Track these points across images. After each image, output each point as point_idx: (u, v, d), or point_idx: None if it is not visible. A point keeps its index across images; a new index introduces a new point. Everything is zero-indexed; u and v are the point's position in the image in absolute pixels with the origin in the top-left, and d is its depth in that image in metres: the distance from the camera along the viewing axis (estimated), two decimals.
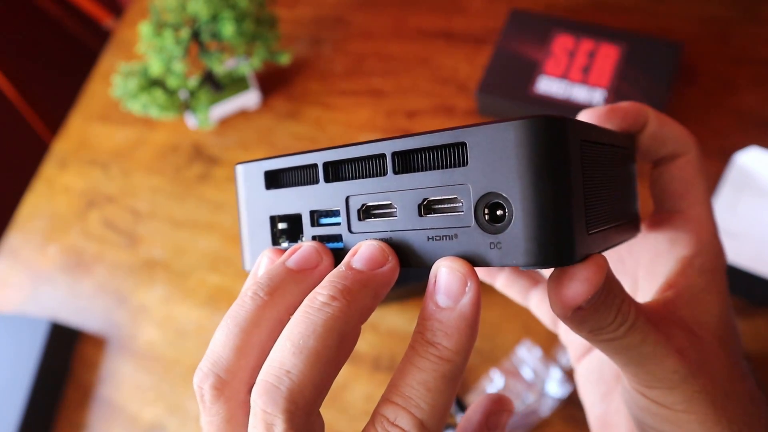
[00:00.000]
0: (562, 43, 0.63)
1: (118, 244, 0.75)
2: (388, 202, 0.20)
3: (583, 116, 0.25)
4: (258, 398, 0.17)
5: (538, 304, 0.32)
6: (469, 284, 0.18)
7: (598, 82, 0.60)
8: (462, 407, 0.53)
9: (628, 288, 0.27)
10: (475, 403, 0.23)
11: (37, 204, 0.82)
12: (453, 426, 0.53)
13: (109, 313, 0.70)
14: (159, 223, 0.74)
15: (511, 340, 0.55)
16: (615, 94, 0.59)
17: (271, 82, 0.79)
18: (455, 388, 0.18)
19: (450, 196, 0.19)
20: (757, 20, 0.64)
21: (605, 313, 0.18)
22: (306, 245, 0.21)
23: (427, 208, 0.19)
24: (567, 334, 0.32)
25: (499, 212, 0.18)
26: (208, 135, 0.78)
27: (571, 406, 0.51)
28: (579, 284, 0.18)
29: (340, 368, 0.18)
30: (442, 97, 0.71)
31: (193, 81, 0.71)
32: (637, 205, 0.26)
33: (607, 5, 0.70)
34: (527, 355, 0.53)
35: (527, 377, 0.52)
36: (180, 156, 0.78)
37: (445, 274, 0.18)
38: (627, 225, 0.23)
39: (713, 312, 0.22)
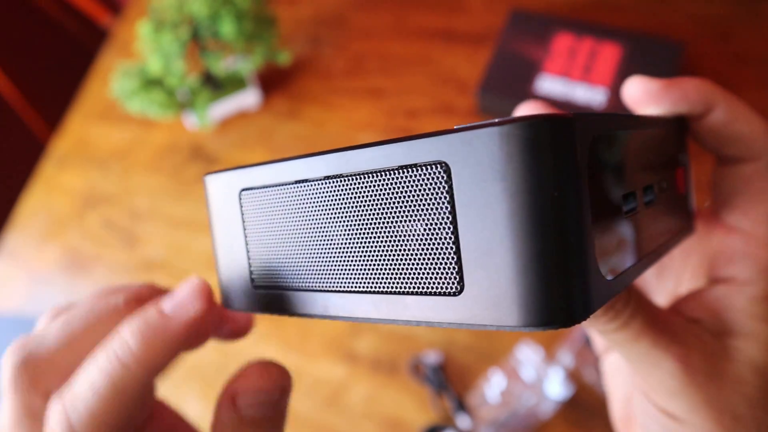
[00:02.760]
0: (562, 41, 0.63)
1: (116, 244, 0.74)
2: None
3: (627, 88, 0.21)
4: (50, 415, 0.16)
5: None
6: (195, 305, 0.17)
7: (600, 80, 0.60)
8: (462, 408, 0.53)
9: (671, 285, 0.25)
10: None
11: (35, 204, 0.82)
12: (453, 427, 0.52)
13: None
14: (158, 223, 0.74)
15: (511, 340, 0.55)
16: (616, 93, 0.59)
17: (271, 81, 0.78)
18: (124, 405, 0.16)
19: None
20: (758, 20, 0.64)
21: None
22: (187, 291, 0.19)
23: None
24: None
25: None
26: (208, 134, 0.78)
27: (573, 406, 0.51)
28: None
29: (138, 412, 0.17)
30: (442, 96, 0.70)
31: (193, 80, 0.71)
32: (688, 204, 0.22)
33: (608, 4, 0.69)
34: (528, 355, 0.53)
35: (528, 378, 0.52)
36: (179, 156, 0.78)
37: (183, 285, 0.18)
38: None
39: (760, 339, 0.20)
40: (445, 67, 0.72)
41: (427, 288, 0.14)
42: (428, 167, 0.14)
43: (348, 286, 0.16)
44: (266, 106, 0.77)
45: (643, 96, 0.21)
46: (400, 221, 0.15)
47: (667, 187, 0.20)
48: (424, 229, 0.14)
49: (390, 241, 0.15)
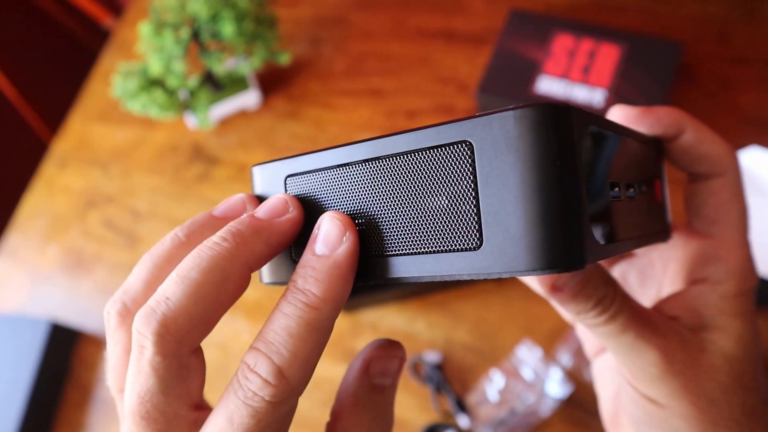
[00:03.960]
0: (562, 42, 0.63)
1: (117, 244, 0.75)
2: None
3: (611, 114, 0.24)
4: (136, 320, 0.18)
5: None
6: (347, 234, 0.18)
7: (599, 81, 0.60)
8: (462, 407, 0.53)
9: (653, 292, 0.28)
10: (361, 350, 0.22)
11: (36, 204, 0.82)
12: (453, 426, 0.53)
13: None
14: (159, 223, 0.74)
15: (511, 340, 0.55)
16: (615, 94, 0.59)
17: (271, 82, 0.79)
18: (320, 340, 0.18)
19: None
20: (757, 20, 0.64)
21: (584, 301, 0.21)
22: (237, 197, 0.22)
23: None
24: (584, 329, 0.32)
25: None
26: (208, 135, 0.78)
27: (572, 406, 0.51)
28: None
29: (223, 309, 0.19)
30: (442, 96, 0.71)
31: (193, 81, 0.71)
32: (665, 213, 0.25)
33: (608, 5, 0.70)
34: (527, 355, 0.53)
35: (527, 377, 0.52)
36: (180, 156, 0.78)
37: (326, 223, 0.19)
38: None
39: (730, 332, 0.22)
40: (445, 68, 0.72)
41: (455, 245, 0.17)
42: (456, 146, 0.17)
43: (388, 251, 0.19)
44: (266, 107, 0.77)
45: (623, 121, 0.24)
46: (431, 191, 0.17)
47: (647, 192, 0.23)
48: (452, 196, 0.17)
49: (423, 208, 0.18)
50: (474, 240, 0.16)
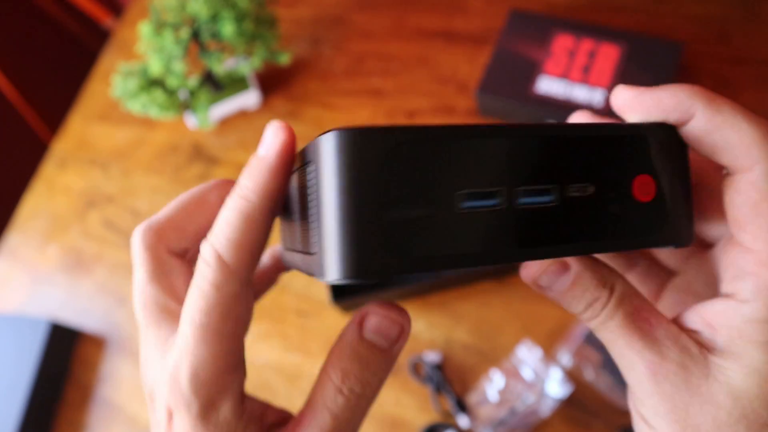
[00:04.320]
0: (562, 42, 0.63)
1: (117, 244, 0.75)
2: None
3: (615, 94, 0.21)
4: (135, 233, 0.23)
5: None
6: (279, 136, 0.20)
7: (599, 81, 0.60)
8: (462, 407, 0.53)
9: (693, 294, 0.25)
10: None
11: (36, 204, 0.82)
12: (453, 426, 0.53)
13: (109, 313, 0.70)
14: None
15: (511, 340, 0.55)
16: None
17: (271, 82, 0.79)
18: (254, 228, 0.20)
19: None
20: (757, 20, 0.64)
21: (573, 303, 0.20)
22: None
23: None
24: None
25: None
26: (208, 135, 0.78)
27: (572, 406, 0.51)
28: (523, 269, 0.21)
29: (196, 221, 0.23)
30: (442, 96, 0.71)
31: (193, 81, 0.71)
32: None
33: (608, 5, 0.70)
34: (527, 355, 0.53)
35: (527, 377, 0.52)
36: (180, 156, 0.78)
37: (268, 128, 0.21)
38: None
39: (744, 361, 0.19)
40: (445, 68, 0.72)
41: (305, 249, 0.20)
42: (307, 165, 0.19)
43: (290, 247, 0.23)
44: (266, 107, 0.77)
45: (621, 104, 0.21)
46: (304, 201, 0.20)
47: (599, 194, 0.19)
48: (302, 208, 0.20)
49: (301, 216, 0.20)
50: (308, 246, 0.19)
